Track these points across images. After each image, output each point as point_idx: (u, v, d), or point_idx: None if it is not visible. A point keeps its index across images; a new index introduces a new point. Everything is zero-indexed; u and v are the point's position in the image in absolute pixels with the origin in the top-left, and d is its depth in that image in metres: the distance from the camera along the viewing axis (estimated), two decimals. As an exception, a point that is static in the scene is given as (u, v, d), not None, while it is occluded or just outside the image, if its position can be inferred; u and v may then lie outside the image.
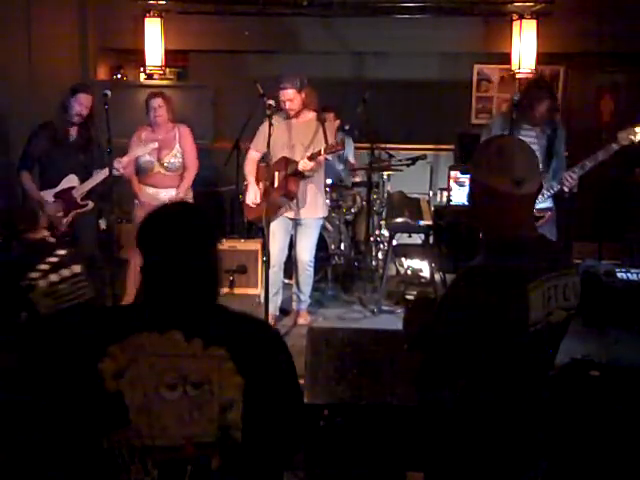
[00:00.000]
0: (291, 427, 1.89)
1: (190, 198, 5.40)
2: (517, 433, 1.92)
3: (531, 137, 4.45)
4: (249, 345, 1.77)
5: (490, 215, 1.93)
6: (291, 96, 4.74)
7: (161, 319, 1.74)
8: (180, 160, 5.31)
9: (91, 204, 5.10)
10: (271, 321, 4.84)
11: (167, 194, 5.29)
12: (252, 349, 1.76)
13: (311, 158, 4.73)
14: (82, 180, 5.05)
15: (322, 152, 4.76)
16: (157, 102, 5.26)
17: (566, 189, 4.35)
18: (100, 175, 4.98)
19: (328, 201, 6.16)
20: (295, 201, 4.94)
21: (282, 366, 1.84)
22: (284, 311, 5.53)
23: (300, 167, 4.74)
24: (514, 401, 1.91)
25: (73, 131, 5.09)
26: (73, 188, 5.04)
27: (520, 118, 4.51)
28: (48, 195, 5.02)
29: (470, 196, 1.99)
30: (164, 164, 5.27)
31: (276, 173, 4.83)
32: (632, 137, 4.19)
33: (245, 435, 1.71)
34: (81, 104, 4.98)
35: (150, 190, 5.31)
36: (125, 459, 1.67)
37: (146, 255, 1.80)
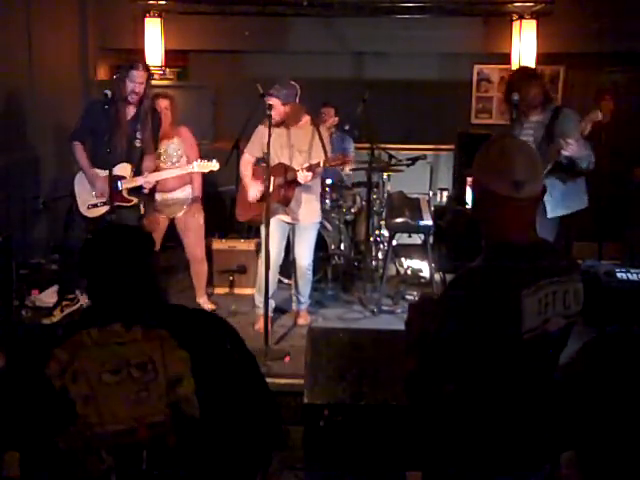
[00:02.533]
0: (254, 415, 1.91)
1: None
2: (513, 439, 1.88)
3: (529, 129, 4.46)
4: (189, 324, 1.85)
5: (490, 218, 1.90)
6: (272, 103, 4.69)
7: (101, 316, 1.82)
8: (180, 152, 5.24)
9: (135, 201, 4.81)
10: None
11: (174, 197, 5.29)
12: (192, 327, 1.84)
13: (309, 169, 4.72)
14: (135, 167, 4.78)
15: (322, 164, 4.75)
16: (164, 104, 5.26)
17: (567, 153, 4.14)
18: (152, 177, 4.80)
19: (328, 201, 6.18)
20: (291, 206, 4.94)
21: (226, 344, 1.89)
22: (284, 311, 5.53)
23: (300, 180, 4.71)
24: (509, 407, 1.87)
25: (130, 110, 4.78)
26: (123, 178, 4.73)
27: (518, 113, 4.52)
28: (99, 175, 4.74)
29: (472, 198, 1.96)
30: (162, 153, 5.16)
31: (272, 178, 4.81)
32: (582, 130, 4.13)
33: (202, 410, 1.74)
34: (135, 82, 4.67)
35: (158, 197, 5.23)
36: (81, 454, 1.70)
37: (88, 274, 1.92)
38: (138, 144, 4.75)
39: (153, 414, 1.71)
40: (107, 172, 4.59)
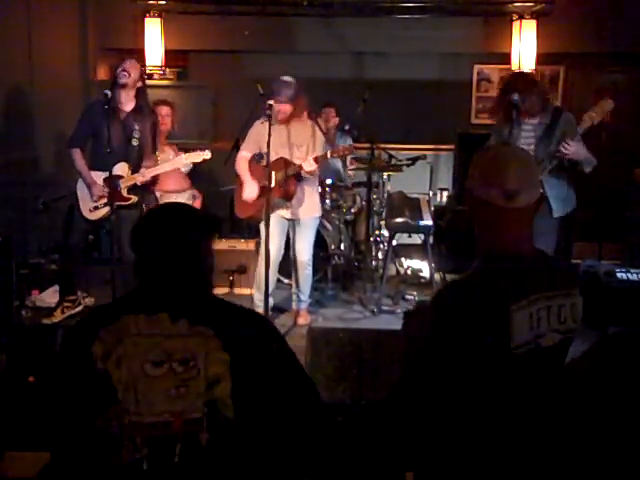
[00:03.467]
0: (296, 417, 1.91)
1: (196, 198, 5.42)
2: (507, 456, 1.78)
3: (529, 130, 4.46)
4: (234, 324, 1.84)
5: (483, 228, 1.85)
6: (283, 108, 4.78)
7: (149, 303, 1.82)
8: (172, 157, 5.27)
9: (135, 199, 4.77)
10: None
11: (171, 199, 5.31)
12: (237, 328, 1.83)
13: (317, 160, 4.75)
14: (134, 166, 4.75)
15: (329, 155, 4.80)
16: (165, 110, 5.30)
17: (565, 151, 4.14)
18: (148, 173, 4.76)
19: (328, 201, 6.18)
20: (292, 201, 4.95)
21: (271, 346, 1.88)
22: (283, 311, 5.53)
23: (307, 169, 4.74)
24: (500, 425, 1.77)
25: (126, 105, 4.77)
26: (121, 177, 4.71)
27: (519, 114, 4.51)
28: (97, 178, 4.72)
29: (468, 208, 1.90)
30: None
31: (273, 173, 4.82)
32: (593, 119, 4.12)
33: (237, 412, 1.74)
34: (127, 66, 4.71)
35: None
36: (117, 438, 1.71)
37: (139, 251, 1.89)
38: (135, 143, 4.74)
39: (189, 411, 1.73)
40: (106, 174, 4.58)
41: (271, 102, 4.59)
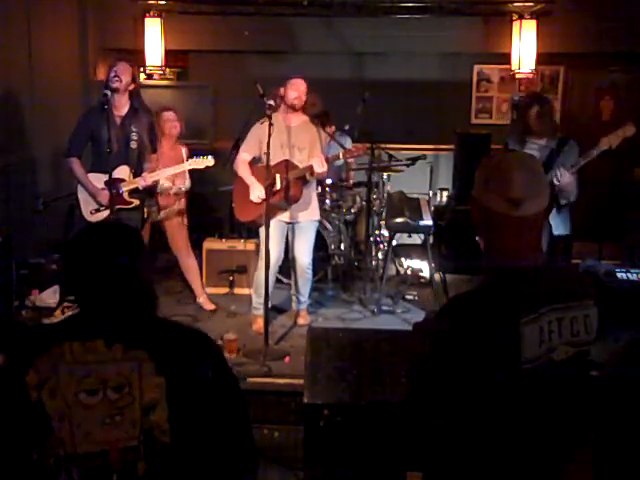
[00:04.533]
0: (228, 443, 1.84)
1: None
2: (517, 468, 1.72)
3: (533, 149, 4.48)
4: (170, 346, 1.78)
5: (488, 238, 1.79)
6: (304, 90, 4.85)
7: (85, 329, 1.76)
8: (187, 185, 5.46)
9: (136, 202, 4.80)
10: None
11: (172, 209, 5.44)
12: (173, 350, 1.77)
13: (327, 161, 4.75)
14: (135, 169, 4.77)
15: (340, 156, 4.80)
16: (171, 115, 5.40)
17: (556, 182, 4.18)
18: (149, 177, 4.78)
19: (328, 201, 6.18)
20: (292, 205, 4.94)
21: (207, 370, 1.80)
22: (283, 311, 5.53)
23: (317, 170, 4.72)
24: (512, 443, 1.72)
25: (120, 109, 4.76)
26: (122, 181, 4.74)
27: (527, 132, 4.56)
28: (98, 181, 4.71)
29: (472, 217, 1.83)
30: (173, 189, 5.38)
31: (277, 175, 4.80)
32: (611, 142, 4.20)
33: (174, 438, 1.71)
34: (117, 68, 4.68)
35: None
36: (52, 471, 1.67)
37: (72, 274, 1.85)
38: (134, 146, 4.75)
39: (126, 439, 1.69)
40: (107, 177, 4.58)
41: (271, 102, 4.56)
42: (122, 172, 4.74)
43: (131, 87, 4.78)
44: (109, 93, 4.57)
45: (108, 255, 1.80)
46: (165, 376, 1.71)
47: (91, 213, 4.78)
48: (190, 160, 5.07)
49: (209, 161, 5.00)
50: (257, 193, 4.84)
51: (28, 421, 1.70)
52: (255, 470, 1.92)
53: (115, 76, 4.67)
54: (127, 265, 1.82)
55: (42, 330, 1.93)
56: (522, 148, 4.57)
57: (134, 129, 4.73)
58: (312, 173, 4.79)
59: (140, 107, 4.86)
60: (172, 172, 5.04)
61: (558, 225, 4.44)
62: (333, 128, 6.44)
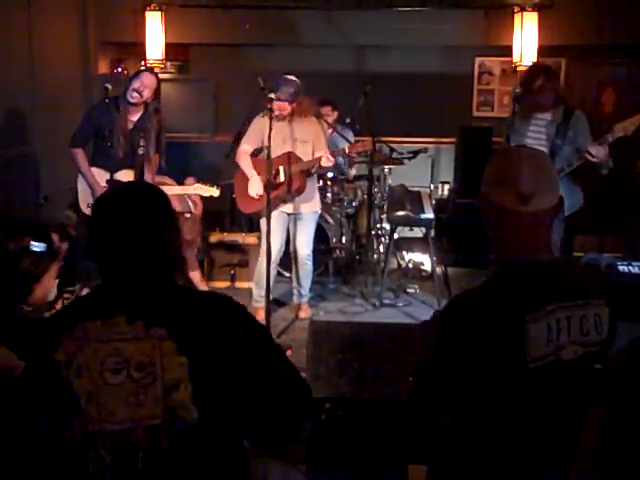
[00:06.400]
0: (276, 405, 1.83)
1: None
2: (523, 470, 1.71)
3: (540, 126, 4.44)
4: (192, 323, 1.75)
5: (497, 235, 1.76)
6: (282, 106, 4.73)
7: (107, 306, 1.75)
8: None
9: None
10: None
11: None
12: (195, 327, 1.74)
13: (333, 154, 4.74)
14: (138, 174, 4.74)
15: (347, 150, 4.80)
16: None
17: (595, 159, 4.17)
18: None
19: (329, 195, 6.18)
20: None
21: (234, 339, 1.76)
22: (284, 304, 5.54)
23: (324, 164, 4.73)
24: (519, 442, 1.70)
25: (134, 114, 4.75)
26: None
27: (530, 107, 4.50)
28: (99, 175, 4.72)
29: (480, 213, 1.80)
30: None
31: (281, 168, 4.80)
32: (626, 128, 4.17)
33: (201, 414, 1.70)
34: (142, 82, 4.61)
35: None
36: (82, 449, 1.69)
37: (95, 241, 1.82)
38: (141, 151, 4.72)
39: (150, 417, 1.69)
40: (107, 175, 4.61)
41: (272, 96, 4.55)
42: (126, 175, 4.73)
43: (149, 100, 4.71)
44: (109, 86, 4.56)
45: (134, 215, 1.78)
46: (188, 356, 1.70)
47: (88, 206, 4.76)
48: (196, 185, 4.98)
49: (214, 191, 4.95)
50: (255, 189, 4.85)
51: (60, 399, 1.70)
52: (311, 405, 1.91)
53: (136, 90, 4.60)
54: (153, 226, 1.80)
55: (67, 309, 1.91)
56: (527, 125, 4.52)
57: (143, 135, 4.71)
58: (320, 167, 4.81)
59: (153, 111, 4.76)
60: (177, 191, 5.00)
61: (577, 199, 4.45)
62: (335, 114, 6.42)
